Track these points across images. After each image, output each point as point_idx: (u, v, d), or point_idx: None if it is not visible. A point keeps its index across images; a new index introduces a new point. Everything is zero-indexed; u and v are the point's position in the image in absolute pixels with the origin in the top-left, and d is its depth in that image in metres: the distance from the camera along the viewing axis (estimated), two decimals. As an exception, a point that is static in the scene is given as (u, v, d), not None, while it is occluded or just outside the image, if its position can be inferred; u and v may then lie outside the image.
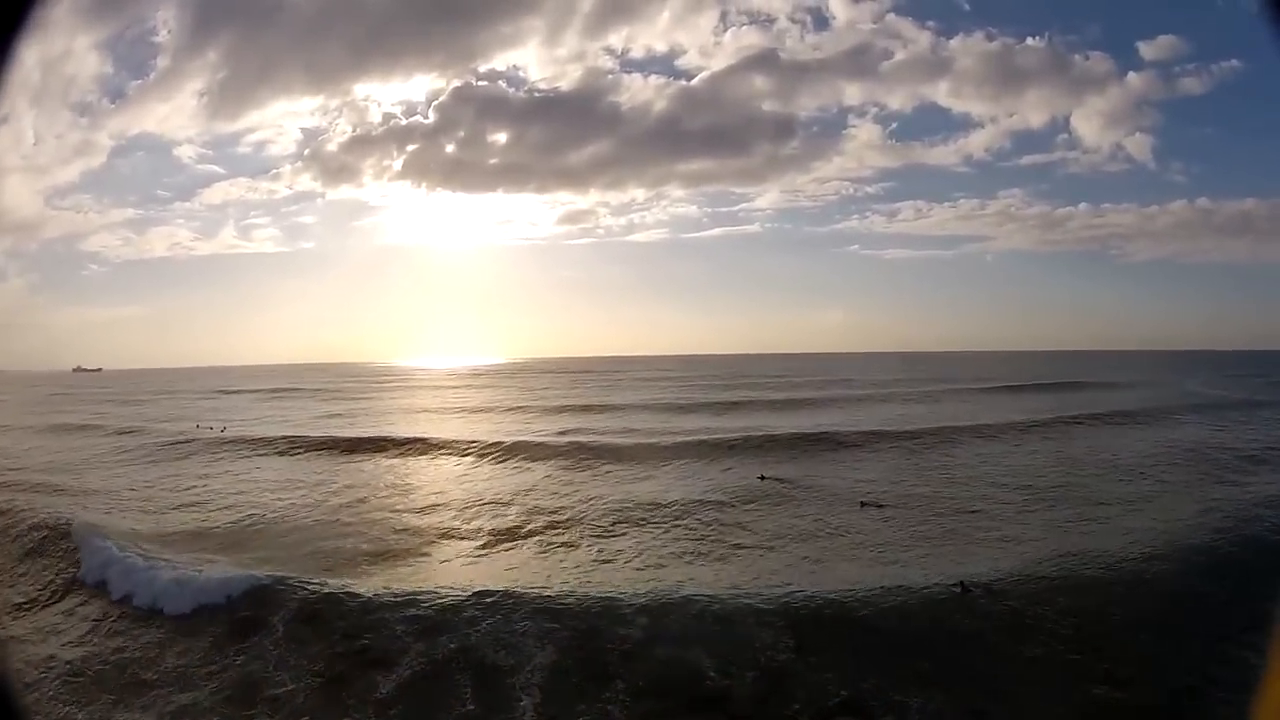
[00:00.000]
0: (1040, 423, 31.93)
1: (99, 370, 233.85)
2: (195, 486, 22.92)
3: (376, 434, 32.20)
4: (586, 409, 45.75)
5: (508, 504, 18.64)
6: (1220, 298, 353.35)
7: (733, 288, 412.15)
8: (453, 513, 18.15)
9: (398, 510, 18.35)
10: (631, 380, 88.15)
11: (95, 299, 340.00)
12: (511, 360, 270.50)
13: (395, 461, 25.88)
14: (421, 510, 18.26)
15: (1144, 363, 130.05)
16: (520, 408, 49.01)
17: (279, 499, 19.78)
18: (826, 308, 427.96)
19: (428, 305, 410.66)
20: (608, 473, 22.02)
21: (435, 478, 22.42)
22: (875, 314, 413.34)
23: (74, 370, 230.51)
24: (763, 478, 21.61)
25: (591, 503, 18.27)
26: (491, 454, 25.54)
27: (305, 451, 29.25)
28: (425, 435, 29.81)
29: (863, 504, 18.81)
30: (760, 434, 29.10)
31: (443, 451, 26.66)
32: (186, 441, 33.94)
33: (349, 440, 30.45)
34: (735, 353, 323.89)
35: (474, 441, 27.41)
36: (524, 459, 24.39)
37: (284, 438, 32.26)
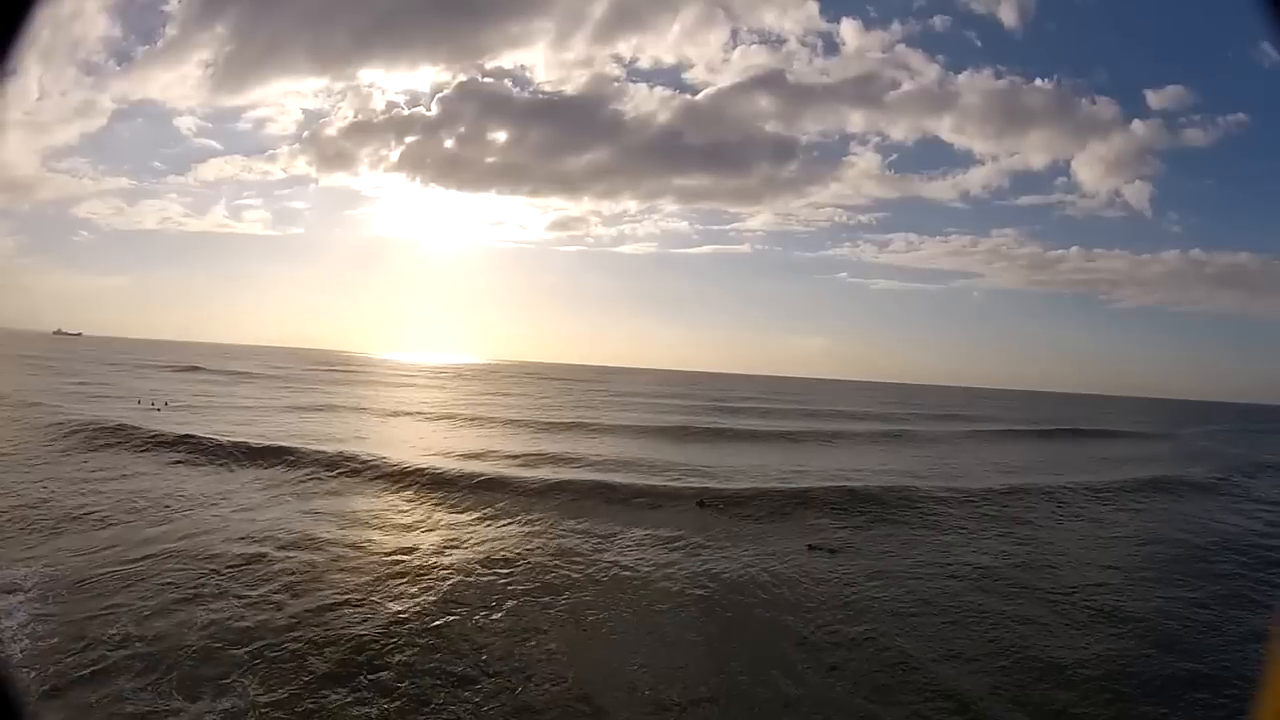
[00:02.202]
0: (1054, 490, 27.27)
1: (79, 335, 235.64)
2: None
3: (293, 441, 27.44)
4: (550, 427, 41.20)
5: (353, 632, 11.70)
6: (1206, 348, 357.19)
7: (717, 306, 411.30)
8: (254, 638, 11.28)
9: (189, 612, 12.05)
10: (607, 395, 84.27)
11: (83, 265, 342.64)
12: (490, 362, 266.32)
13: (284, 486, 20.95)
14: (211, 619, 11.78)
15: (1133, 409, 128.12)
16: (481, 419, 44.41)
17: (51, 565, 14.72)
18: (810, 333, 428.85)
19: (411, 300, 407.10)
20: (534, 543, 17.14)
21: (303, 526, 17.27)
22: (858, 342, 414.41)
23: (54, 333, 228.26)
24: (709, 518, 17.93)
25: (480, 636, 12.02)
26: (409, 490, 20.66)
27: (201, 456, 24.62)
28: (346, 451, 24.93)
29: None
30: (733, 486, 24.76)
31: (352, 478, 21.76)
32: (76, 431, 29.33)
33: (257, 448, 25.64)
34: (715, 371, 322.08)
35: (398, 467, 22.57)
36: (443, 505, 19.46)
37: (190, 437, 27.60)
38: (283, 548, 15.23)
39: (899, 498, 22.91)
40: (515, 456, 27.96)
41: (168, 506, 18.22)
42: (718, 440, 40.16)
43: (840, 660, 11.66)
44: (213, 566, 13.93)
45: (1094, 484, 28.59)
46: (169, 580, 13.19)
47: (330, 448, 26.11)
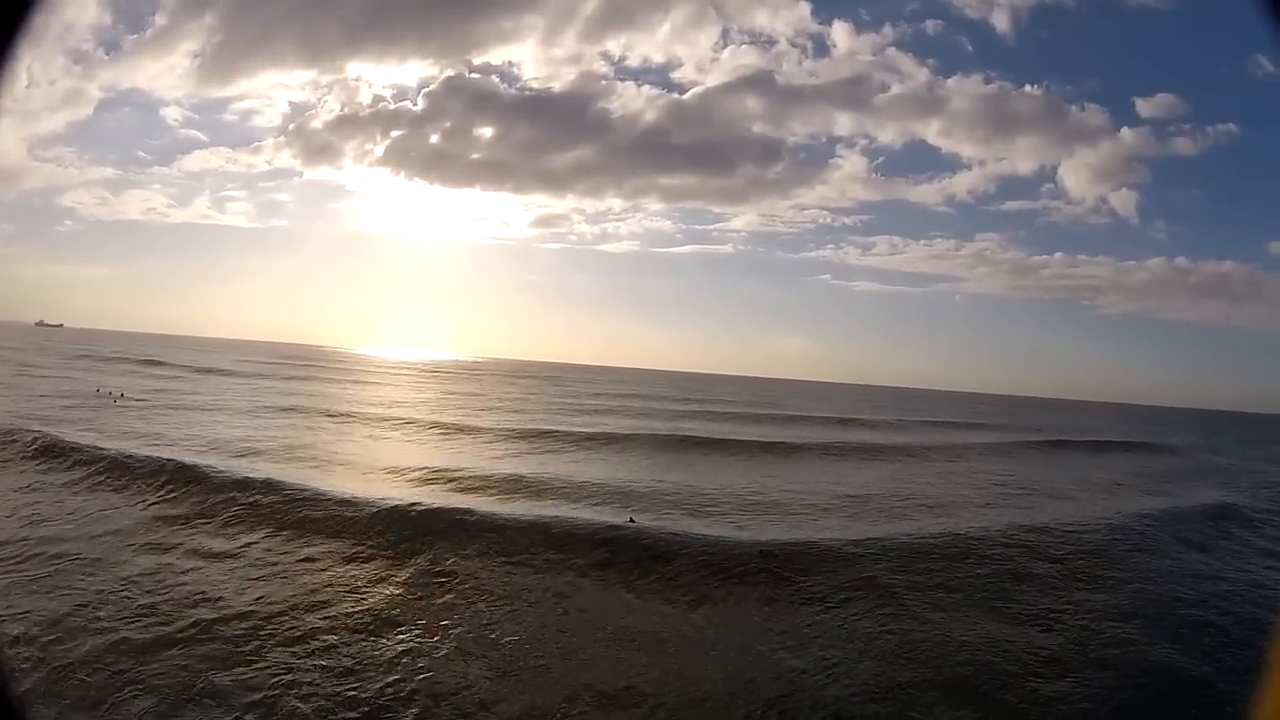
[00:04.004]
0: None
1: (60, 326, 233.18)
2: None
3: (214, 459, 23.34)
4: (522, 436, 37.38)
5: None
6: (1189, 356, 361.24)
7: (699, 306, 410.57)
8: None
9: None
10: (584, 396, 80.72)
11: (67, 255, 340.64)
12: (470, 359, 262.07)
13: (164, 523, 17.00)
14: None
15: (1117, 416, 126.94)
16: (448, 428, 40.44)
17: None
18: (790, 334, 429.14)
19: (393, 295, 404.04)
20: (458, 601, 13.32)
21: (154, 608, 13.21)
22: (838, 344, 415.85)
23: (36, 324, 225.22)
24: None
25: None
26: (335, 531, 16.78)
27: (98, 474, 20.66)
28: (270, 477, 20.64)
29: None
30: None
31: (259, 520, 17.60)
32: None
33: (177, 465, 21.55)
34: (695, 371, 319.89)
35: (325, 500, 18.46)
36: (369, 558, 15.55)
37: (103, 451, 23.63)
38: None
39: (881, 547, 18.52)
40: (459, 480, 24.11)
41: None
42: (696, 451, 36.58)
43: None
44: None
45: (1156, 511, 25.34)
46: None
47: (249, 466, 22.25)
